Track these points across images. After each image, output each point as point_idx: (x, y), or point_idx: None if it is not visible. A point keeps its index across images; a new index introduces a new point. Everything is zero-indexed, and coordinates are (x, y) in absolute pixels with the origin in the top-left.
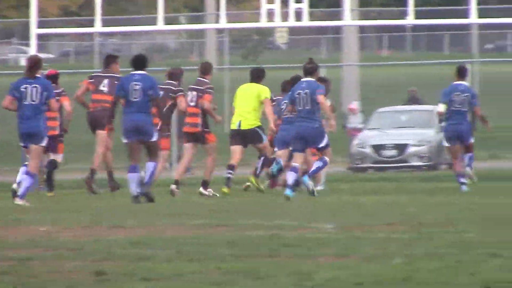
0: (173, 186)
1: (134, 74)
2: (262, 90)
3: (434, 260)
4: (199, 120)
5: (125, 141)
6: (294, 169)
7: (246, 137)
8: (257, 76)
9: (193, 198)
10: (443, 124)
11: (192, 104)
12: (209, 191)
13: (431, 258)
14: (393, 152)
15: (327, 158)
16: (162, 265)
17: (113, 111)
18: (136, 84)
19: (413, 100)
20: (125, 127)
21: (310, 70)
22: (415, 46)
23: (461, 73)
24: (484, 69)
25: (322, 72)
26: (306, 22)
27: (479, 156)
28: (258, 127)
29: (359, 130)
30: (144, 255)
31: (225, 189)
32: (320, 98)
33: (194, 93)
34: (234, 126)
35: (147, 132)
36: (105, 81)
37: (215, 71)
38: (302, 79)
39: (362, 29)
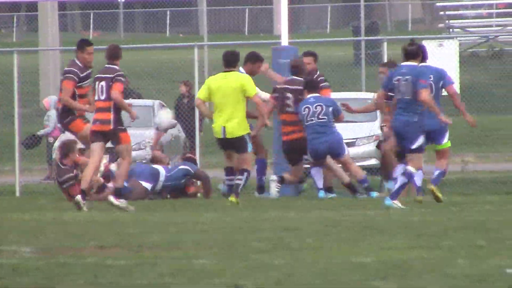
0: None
1: None
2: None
3: None
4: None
5: None
6: (414, 175)
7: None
8: (234, 61)
9: None
10: None
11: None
12: (121, 201)
13: None
14: None
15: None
16: None
17: None
18: None
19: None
20: None
21: (414, 52)
22: (129, 26)
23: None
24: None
25: (14, 59)
26: None
27: None
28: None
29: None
30: None
31: (233, 198)
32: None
33: (103, 83)
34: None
35: None
36: None
37: None
38: (402, 64)
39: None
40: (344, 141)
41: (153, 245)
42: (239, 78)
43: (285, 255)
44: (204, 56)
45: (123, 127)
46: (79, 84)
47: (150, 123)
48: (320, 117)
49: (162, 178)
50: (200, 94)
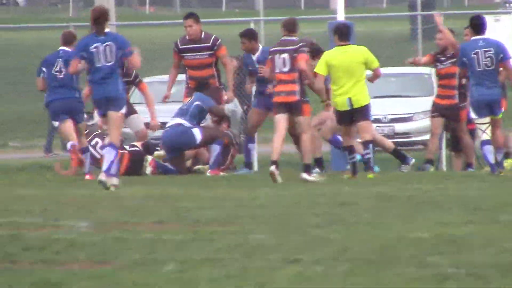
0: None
1: None
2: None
3: (212, 266)
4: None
5: None
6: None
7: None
8: (349, 33)
9: None
10: None
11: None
12: (314, 175)
13: (209, 264)
14: None
15: None
16: None
17: None
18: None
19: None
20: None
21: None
22: (185, 1)
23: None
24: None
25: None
26: None
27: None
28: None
29: None
30: None
31: (371, 175)
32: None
33: (285, 55)
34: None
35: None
36: None
37: None
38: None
39: None
40: (401, 116)
41: (209, 220)
42: (362, 52)
43: (341, 230)
44: (260, 32)
45: (306, 99)
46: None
47: None
48: None
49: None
50: (320, 70)
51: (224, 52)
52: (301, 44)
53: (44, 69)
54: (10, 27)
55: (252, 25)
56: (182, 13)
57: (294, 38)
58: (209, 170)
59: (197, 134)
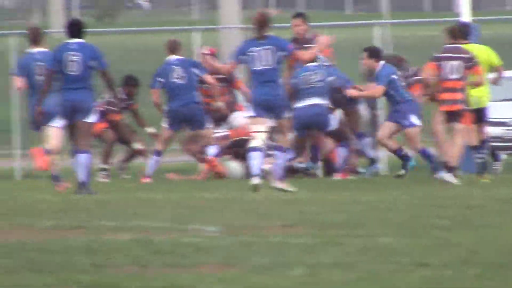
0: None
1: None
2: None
3: (342, 270)
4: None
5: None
6: None
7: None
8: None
9: (38, 195)
10: None
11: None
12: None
13: (339, 268)
14: None
15: None
16: (2, 278)
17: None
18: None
19: None
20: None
21: None
22: (311, 3)
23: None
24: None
25: (194, 38)
26: None
27: None
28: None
29: None
30: None
31: (486, 179)
32: None
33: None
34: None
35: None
36: None
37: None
38: None
39: None
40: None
41: (336, 224)
42: (484, 50)
43: (469, 232)
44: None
45: (468, 108)
46: None
47: None
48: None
49: None
50: None
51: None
52: (472, 54)
53: (159, 79)
54: (138, 30)
55: (377, 28)
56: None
57: (460, 45)
58: (337, 174)
59: (333, 119)
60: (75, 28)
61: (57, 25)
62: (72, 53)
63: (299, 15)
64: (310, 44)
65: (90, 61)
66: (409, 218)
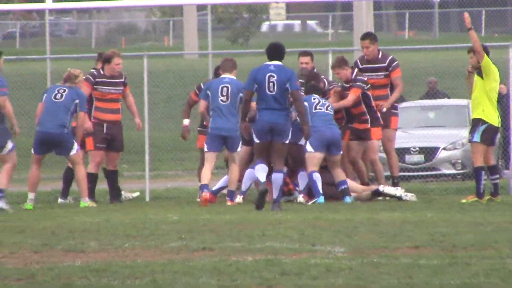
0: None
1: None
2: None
3: None
4: None
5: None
6: None
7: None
8: None
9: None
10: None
11: None
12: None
13: None
14: (420, 158)
15: None
16: None
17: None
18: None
19: (432, 93)
20: (256, 127)
21: None
22: (444, 26)
23: None
24: None
25: (328, 58)
26: None
27: None
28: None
29: None
30: (109, 286)
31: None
32: None
33: None
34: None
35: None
36: None
37: (196, 58)
38: None
39: (377, 4)
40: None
41: (466, 245)
42: None
43: None
44: None
45: None
46: None
47: (464, 123)
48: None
49: None
50: None
51: (397, 75)
52: None
53: (208, 92)
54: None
55: (510, 51)
56: (441, 38)
57: None
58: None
59: None
60: (274, 51)
61: (190, 47)
62: (270, 73)
63: (366, 36)
64: (382, 64)
65: (285, 82)
66: None
